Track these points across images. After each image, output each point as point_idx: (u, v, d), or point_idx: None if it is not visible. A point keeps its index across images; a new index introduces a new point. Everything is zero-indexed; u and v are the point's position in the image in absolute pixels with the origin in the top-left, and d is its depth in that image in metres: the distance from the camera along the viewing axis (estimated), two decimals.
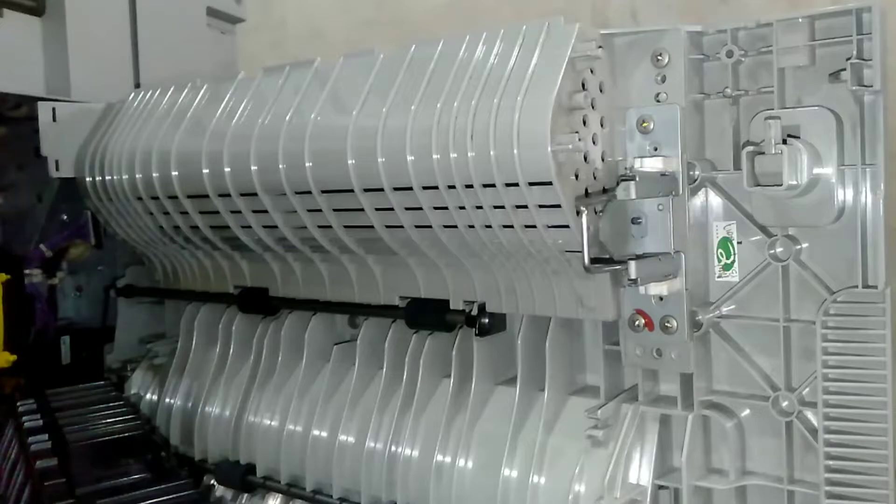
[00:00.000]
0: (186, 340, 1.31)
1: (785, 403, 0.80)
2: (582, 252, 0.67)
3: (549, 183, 0.76)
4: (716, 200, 0.83)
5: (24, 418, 1.11)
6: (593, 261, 0.71)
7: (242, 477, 1.15)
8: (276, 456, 1.12)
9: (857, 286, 0.74)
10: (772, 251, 0.79)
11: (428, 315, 0.99)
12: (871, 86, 0.71)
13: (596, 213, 0.81)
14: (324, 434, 1.08)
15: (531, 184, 0.77)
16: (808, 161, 0.72)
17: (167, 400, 1.30)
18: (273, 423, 1.14)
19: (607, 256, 0.78)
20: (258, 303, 1.19)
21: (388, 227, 0.94)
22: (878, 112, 0.72)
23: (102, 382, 1.33)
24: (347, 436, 1.05)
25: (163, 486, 0.94)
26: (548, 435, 0.90)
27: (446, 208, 0.85)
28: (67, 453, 0.97)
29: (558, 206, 0.77)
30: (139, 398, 1.35)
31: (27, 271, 1.39)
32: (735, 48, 0.79)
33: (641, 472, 0.85)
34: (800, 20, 0.75)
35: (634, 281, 0.74)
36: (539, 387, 0.92)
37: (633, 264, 0.73)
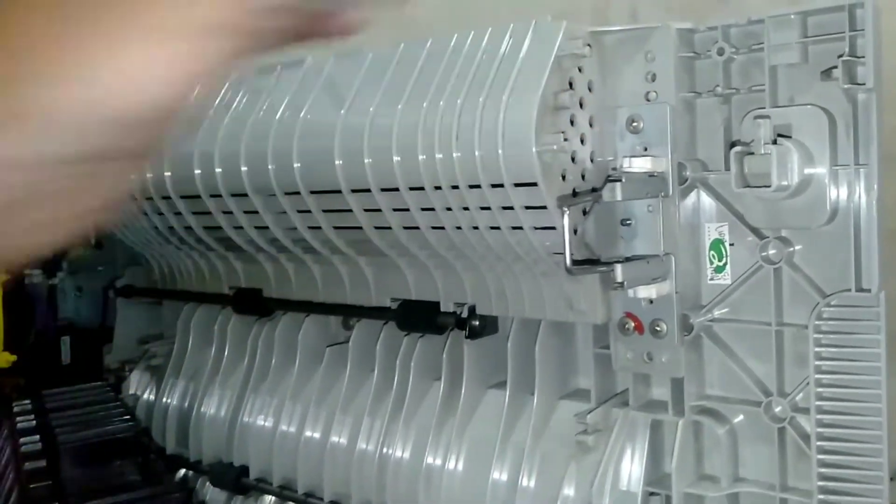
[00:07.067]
0: (183, 341, 1.31)
1: (777, 409, 0.78)
2: (564, 253, 0.65)
3: (535, 184, 0.74)
4: (707, 201, 0.81)
5: (19, 419, 1.11)
6: (576, 262, 0.70)
7: (236, 479, 1.14)
8: (269, 458, 1.11)
9: (850, 290, 0.72)
10: (764, 253, 0.77)
11: (418, 317, 0.98)
12: (864, 84, 0.69)
13: (584, 213, 0.80)
14: (316, 436, 1.08)
15: (516, 185, 0.76)
16: (798, 161, 0.71)
17: (164, 400, 1.30)
18: (266, 425, 1.13)
19: (593, 258, 0.77)
20: (252, 303, 1.18)
21: (376, 228, 0.92)
22: (872, 111, 0.70)
23: (100, 383, 1.33)
24: (339, 438, 1.05)
25: (149, 490, 0.94)
26: (537, 439, 0.89)
27: (433, 209, 0.84)
28: (57, 455, 0.97)
29: (544, 207, 0.76)
30: (136, 399, 1.35)
31: (27, 271, 1.39)
32: (726, 45, 0.77)
33: (632, 478, 0.84)
34: (792, 16, 0.73)
35: (621, 284, 0.72)
36: (530, 390, 0.91)
37: (619, 267, 0.71)
